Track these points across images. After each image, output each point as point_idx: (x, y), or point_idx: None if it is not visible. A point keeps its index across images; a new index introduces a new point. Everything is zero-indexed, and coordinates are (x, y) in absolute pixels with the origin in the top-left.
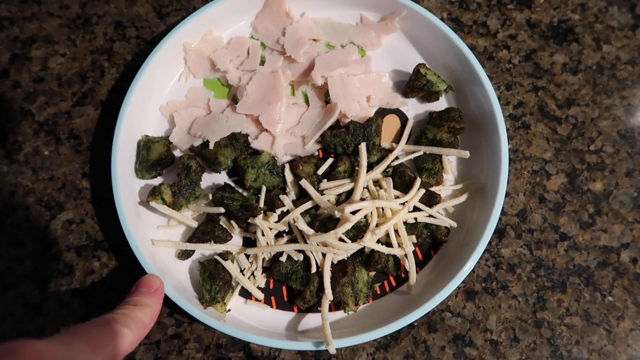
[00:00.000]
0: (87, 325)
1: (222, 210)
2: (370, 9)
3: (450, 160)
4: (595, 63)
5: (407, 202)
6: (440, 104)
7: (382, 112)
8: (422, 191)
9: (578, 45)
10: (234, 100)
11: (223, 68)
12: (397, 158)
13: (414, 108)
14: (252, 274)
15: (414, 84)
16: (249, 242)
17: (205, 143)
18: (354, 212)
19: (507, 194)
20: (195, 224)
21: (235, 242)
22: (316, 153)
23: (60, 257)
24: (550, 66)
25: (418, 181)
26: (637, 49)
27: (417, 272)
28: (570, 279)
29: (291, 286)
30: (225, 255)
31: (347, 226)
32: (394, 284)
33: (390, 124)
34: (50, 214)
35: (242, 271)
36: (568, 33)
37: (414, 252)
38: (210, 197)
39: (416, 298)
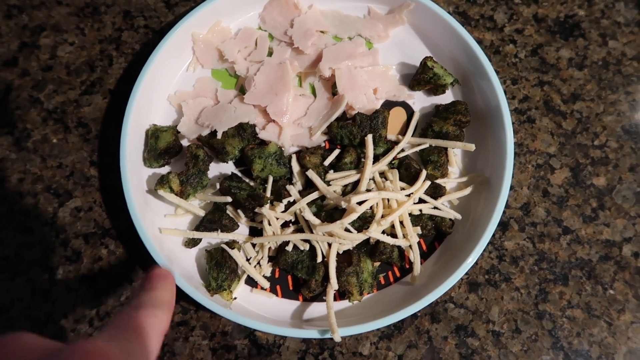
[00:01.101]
0: (123, 317)
1: (229, 199)
2: (378, 2)
3: (456, 153)
4: (601, 59)
5: (412, 193)
6: (447, 97)
7: (388, 105)
8: (428, 183)
9: (584, 41)
10: (242, 90)
11: (231, 58)
12: (402, 150)
13: (420, 101)
14: (258, 262)
15: (420, 77)
16: (256, 231)
17: (213, 133)
18: (360, 203)
19: (511, 188)
20: (202, 213)
21: (242, 231)
22: (323, 144)
23: (68, 244)
24: (556, 61)
25: (424, 173)
26: None
27: (421, 263)
28: (572, 272)
29: (297, 275)
30: (232, 244)
31: (354, 216)
32: (398, 274)
33: (397, 117)
34: (58, 202)
35: (248, 260)
36: (574, 28)
37: (419, 244)
38: (218, 186)
39: (420, 289)
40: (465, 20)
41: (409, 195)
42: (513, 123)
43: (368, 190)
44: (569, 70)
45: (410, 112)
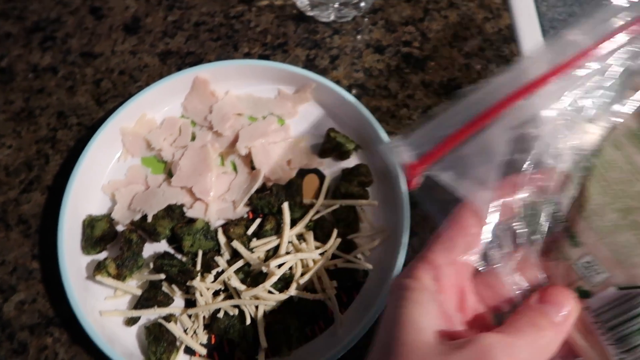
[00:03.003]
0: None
1: (162, 276)
2: (286, 83)
3: (364, 209)
4: None
5: (326, 251)
6: (353, 161)
7: (302, 173)
8: (339, 240)
9: None
10: (170, 174)
11: (158, 146)
12: (318, 212)
13: (329, 166)
14: (195, 332)
15: (326, 146)
16: (191, 302)
17: (145, 216)
18: (280, 266)
19: (415, 234)
20: (139, 292)
21: (178, 304)
22: (246, 215)
23: (14, 337)
24: None
25: (335, 232)
26: None
27: (342, 313)
28: None
29: (231, 339)
30: (168, 317)
31: (274, 279)
32: (322, 326)
33: (310, 183)
34: (3, 297)
35: (185, 331)
36: (456, 89)
37: (339, 295)
38: (152, 265)
39: (343, 336)
40: (364, 91)
41: (323, 254)
42: None
43: (288, 253)
44: None
45: (322, 177)
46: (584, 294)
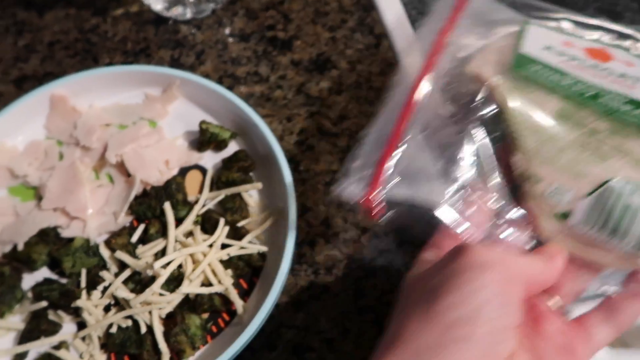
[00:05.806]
0: None
1: (44, 304)
2: (151, 86)
3: (251, 194)
4: (354, 81)
5: (214, 242)
6: (233, 149)
7: (184, 171)
8: (227, 229)
9: (337, 70)
10: (41, 199)
11: (22, 173)
12: (205, 206)
13: (211, 159)
14: (91, 354)
15: (202, 140)
16: (84, 325)
17: (16, 247)
18: (166, 265)
19: (309, 209)
20: (22, 326)
21: (70, 329)
22: (129, 224)
23: None
24: (319, 93)
25: (222, 221)
26: (383, 62)
27: (245, 301)
28: (378, 264)
29: (130, 352)
30: (59, 345)
31: (162, 280)
32: (227, 318)
33: (193, 179)
34: None
35: (81, 355)
36: (326, 63)
37: (239, 283)
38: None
39: (248, 322)
40: (235, 80)
41: (212, 245)
42: (297, 154)
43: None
44: (330, 97)
45: (204, 171)
46: (564, 216)
